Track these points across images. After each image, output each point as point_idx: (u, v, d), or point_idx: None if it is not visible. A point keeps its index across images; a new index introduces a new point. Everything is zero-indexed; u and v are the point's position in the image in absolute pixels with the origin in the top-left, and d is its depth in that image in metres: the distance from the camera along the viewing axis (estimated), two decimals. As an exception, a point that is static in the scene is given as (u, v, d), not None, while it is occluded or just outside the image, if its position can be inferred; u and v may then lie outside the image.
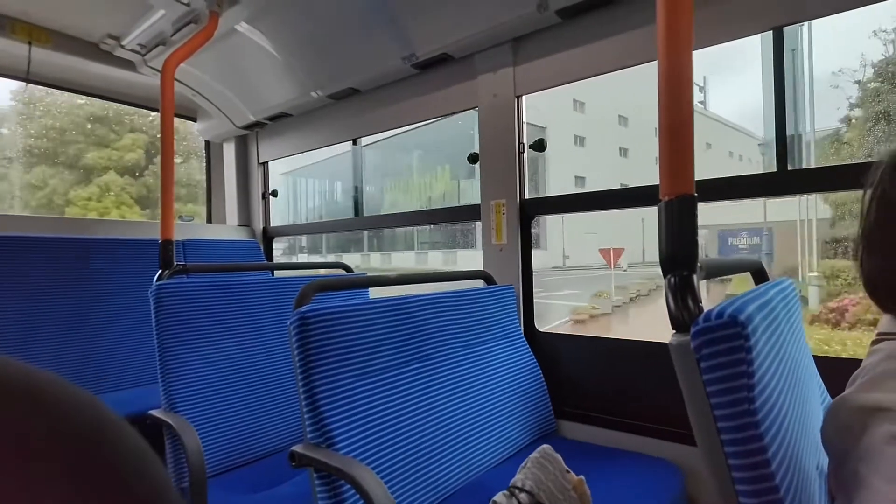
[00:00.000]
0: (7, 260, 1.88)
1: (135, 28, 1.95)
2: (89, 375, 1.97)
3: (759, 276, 1.12)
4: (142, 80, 2.36)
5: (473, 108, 1.84)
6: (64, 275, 2.01)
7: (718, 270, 0.81)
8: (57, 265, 2.00)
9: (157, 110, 2.63)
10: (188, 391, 1.49)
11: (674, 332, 0.63)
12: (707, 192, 1.34)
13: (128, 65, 2.23)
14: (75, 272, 2.04)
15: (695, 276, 0.63)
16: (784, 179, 1.30)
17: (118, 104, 2.64)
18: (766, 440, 0.54)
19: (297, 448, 1.02)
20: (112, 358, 2.05)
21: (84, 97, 2.51)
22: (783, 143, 1.33)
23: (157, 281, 1.65)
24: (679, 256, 0.64)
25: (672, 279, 0.64)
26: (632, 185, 1.55)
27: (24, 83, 2.19)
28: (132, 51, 2.11)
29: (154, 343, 1.50)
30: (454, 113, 1.92)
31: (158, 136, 1.67)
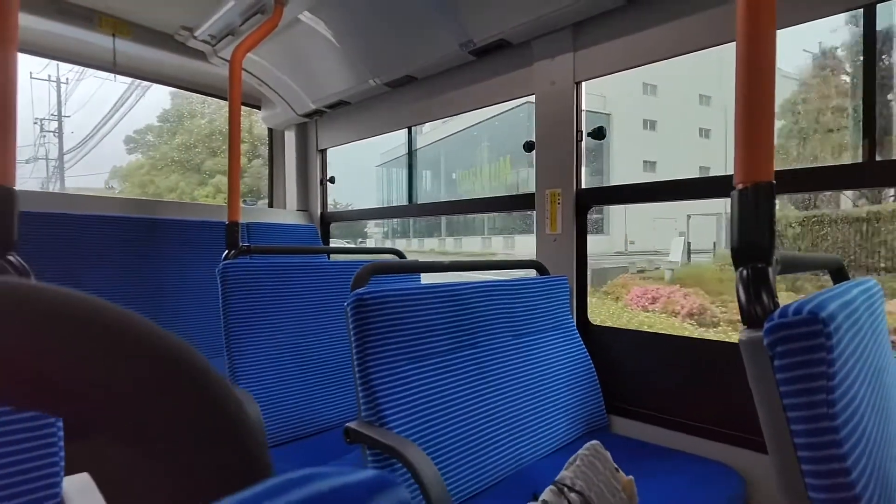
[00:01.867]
0: (86, 236, 2.04)
1: (207, 19, 2.05)
2: None
3: (839, 274, 1.04)
4: (211, 69, 2.48)
5: (530, 94, 1.80)
6: (137, 252, 2.16)
7: (795, 265, 0.76)
8: (130, 243, 2.15)
9: (225, 98, 2.76)
10: (250, 365, 1.57)
11: (745, 327, 0.60)
12: (786, 183, 1.26)
13: (199, 55, 2.35)
14: (147, 250, 2.19)
15: (770, 270, 0.60)
16: (871, 171, 1.19)
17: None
18: (846, 448, 0.50)
19: (352, 425, 1.06)
20: (180, 331, 2.20)
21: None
22: (872, 132, 1.22)
23: (223, 260, 1.74)
24: (754, 248, 0.60)
25: (745, 272, 0.60)
26: (713, 166, 1.47)
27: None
28: (203, 41, 2.22)
29: (220, 318, 1.59)
30: (510, 100, 1.90)
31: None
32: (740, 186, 0.62)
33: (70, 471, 0.81)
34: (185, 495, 0.20)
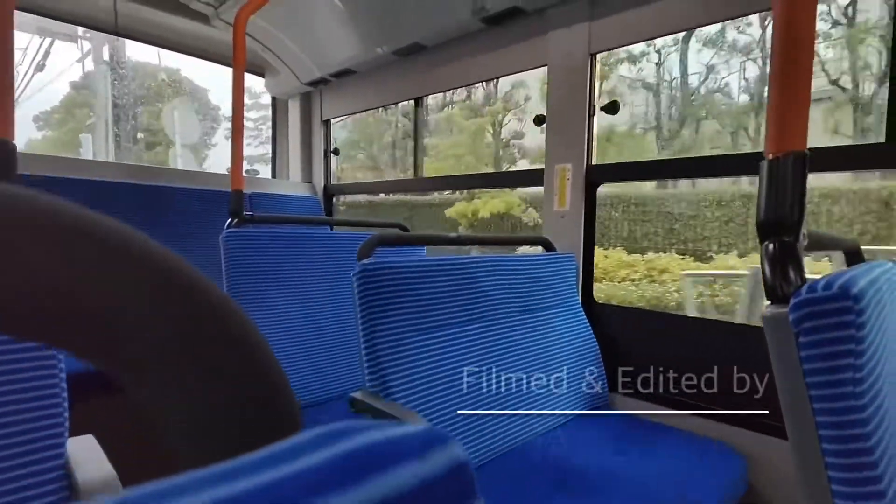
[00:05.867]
0: (88, 202, 2.01)
1: None
2: None
3: (855, 257, 1.02)
4: (215, 34, 2.41)
5: (542, 65, 1.75)
6: (138, 218, 2.13)
7: (819, 244, 0.74)
8: (132, 209, 2.12)
9: (229, 65, 2.69)
10: None
11: (769, 303, 0.58)
12: (817, 161, 1.22)
13: (202, 18, 2.28)
14: (148, 217, 2.16)
15: (798, 245, 0.58)
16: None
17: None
18: (870, 427, 0.49)
19: (356, 394, 1.06)
20: None
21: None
22: (897, 110, 1.18)
23: (227, 228, 1.72)
24: (782, 221, 0.58)
25: (770, 246, 0.58)
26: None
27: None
28: (206, 3, 2.15)
29: (223, 286, 1.58)
30: (522, 71, 1.85)
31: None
32: (771, 156, 0.59)
33: (75, 433, 0.81)
34: (206, 447, 0.18)
